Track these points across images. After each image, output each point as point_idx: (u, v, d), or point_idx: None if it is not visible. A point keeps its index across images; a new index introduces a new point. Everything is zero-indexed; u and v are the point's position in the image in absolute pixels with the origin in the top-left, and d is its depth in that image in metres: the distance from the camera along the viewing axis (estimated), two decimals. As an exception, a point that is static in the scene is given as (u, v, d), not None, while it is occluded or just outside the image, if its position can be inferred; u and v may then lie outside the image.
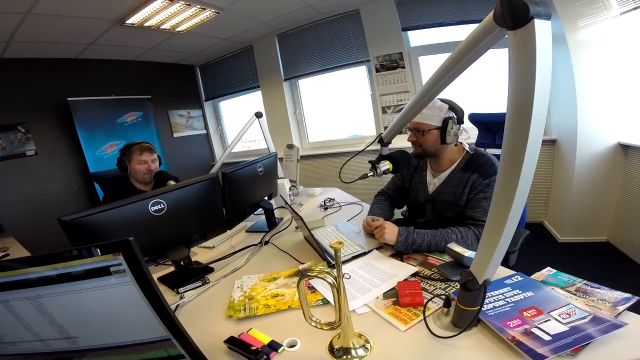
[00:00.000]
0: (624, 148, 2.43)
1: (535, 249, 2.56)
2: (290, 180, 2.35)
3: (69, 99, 3.42)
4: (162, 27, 3.24)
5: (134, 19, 2.96)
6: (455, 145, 1.34)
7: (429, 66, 3.40)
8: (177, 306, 1.08)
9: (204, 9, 3.01)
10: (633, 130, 2.38)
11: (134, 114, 3.97)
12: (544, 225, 3.08)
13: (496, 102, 3.22)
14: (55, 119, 3.49)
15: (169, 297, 1.15)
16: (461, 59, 0.64)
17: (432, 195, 1.42)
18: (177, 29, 3.37)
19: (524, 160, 0.53)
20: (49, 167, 3.45)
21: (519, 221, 0.63)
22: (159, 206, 1.10)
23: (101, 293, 0.59)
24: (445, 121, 1.28)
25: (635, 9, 2.07)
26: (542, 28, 0.48)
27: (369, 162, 1.29)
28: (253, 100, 4.57)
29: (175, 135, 4.66)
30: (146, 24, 3.11)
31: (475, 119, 1.99)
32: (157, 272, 1.34)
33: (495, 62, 3.20)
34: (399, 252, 1.21)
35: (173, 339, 0.66)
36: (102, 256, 0.55)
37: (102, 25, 3.01)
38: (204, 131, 5.06)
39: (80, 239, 0.97)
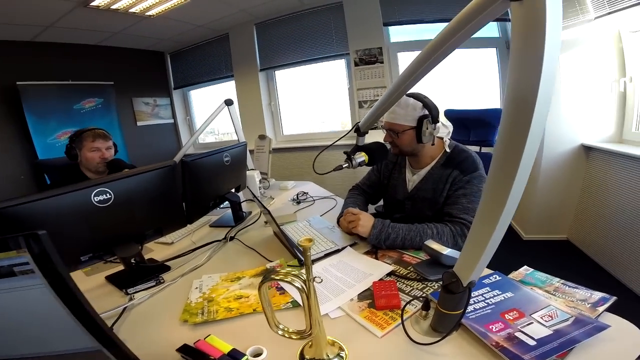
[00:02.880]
0: (587, 149, 2.52)
1: (500, 246, 2.60)
2: (261, 173, 2.24)
3: (18, 83, 3.10)
4: (131, 10, 2.99)
5: (99, 1, 2.70)
6: (433, 144, 1.28)
7: (407, 62, 3.38)
8: (125, 309, 0.96)
9: (178, -8, 2.81)
10: (596, 132, 2.47)
11: (92, 101, 3.66)
12: (510, 223, 3.16)
13: (470, 99, 3.29)
14: (1, 104, 3.14)
15: (117, 298, 1.02)
16: (455, 34, 0.56)
17: (412, 192, 1.36)
18: (148, 13, 3.12)
19: (524, 152, 0.46)
20: (-9, 154, 3.10)
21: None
22: (104, 196, 0.96)
23: (6, 297, 0.47)
24: (420, 120, 1.21)
25: (609, 13, 2.12)
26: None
27: (344, 152, 1.21)
28: (226, 90, 4.37)
29: (139, 123, 4.36)
30: (113, 7, 2.85)
31: (451, 115, 1.98)
32: (105, 271, 1.19)
33: (469, 61, 3.26)
34: (374, 249, 1.15)
35: (104, 350, 0.55)
36: (2, 253, 0.43)
37: (63, 7, 2.72)
38: (172, 120, 4.79)
39: (6, 233, 0.82)
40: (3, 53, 3.16)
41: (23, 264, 0.44)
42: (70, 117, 3.48)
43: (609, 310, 0.73)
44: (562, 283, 0.86)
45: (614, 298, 0.76)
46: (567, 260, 2.48)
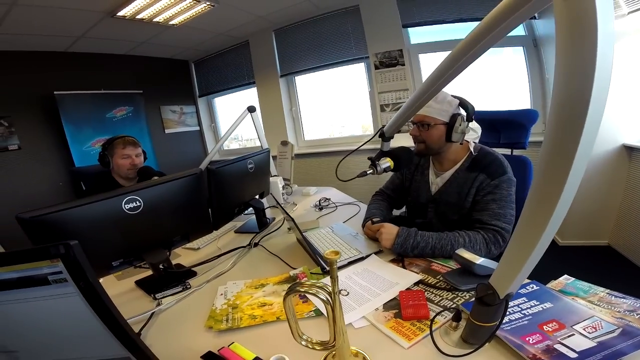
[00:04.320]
0: (629, 150, 2.36)
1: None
2: (284, 179, 2.25)
3: (55, 92, 3.29)
4: (154, 19, 3.12)
5: (125, 11, 2.84)
6: (461, 143, 1.25)
7: (430, 64, 3.31)
8: (153, 313, 0.98)
9: (199, 1, 2.90)
10: (638, 131, 2.32)
11: (124, 109, 3.84)
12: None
13: (499, 100, 3.18)
14: (40, 112, 3.35)
15: (146, 303, 1.05)
16: (488, 32, 0.53)
17: (435, 195, 1.32)
18: (171, 22, 3.24)
19: (576, 157, 0.42)
20: (33, 162, 3.30)
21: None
22: (135, 204, 0.99)
23: (40, 305, 0.49)
24: (454, 117, 1.19)
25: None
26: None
27: (369, 158, 1.19)
28: (248, 97, 4.46)
29: (167, 131, 4.52)
30: (138, 17, 2.99)
31: (479, 117, 1.89)
32: (135, 276, 1.23)
33: (496, 61, 3.15)
34: (400, 257, 1.11)
35: (133, 357, 0.56)
36: (37, 262, 0.45)
37: (92, 18, 2.88)
38: (197, 128, 4.93)
39: (43, 239, 0.87)
40: (41, 63, 3.36)
41: (56, 273, 0.45)
42: (104, 125, 3.66)
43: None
44: (607, 293, 0.79)
45: (668, 308, 0.70)
46: (609, 268, 2.32)
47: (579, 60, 0.40)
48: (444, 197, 1.28)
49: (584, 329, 0.66)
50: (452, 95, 1.23)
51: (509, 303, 0.76)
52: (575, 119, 0.41)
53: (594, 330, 0.66)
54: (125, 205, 0.97)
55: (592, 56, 0.38)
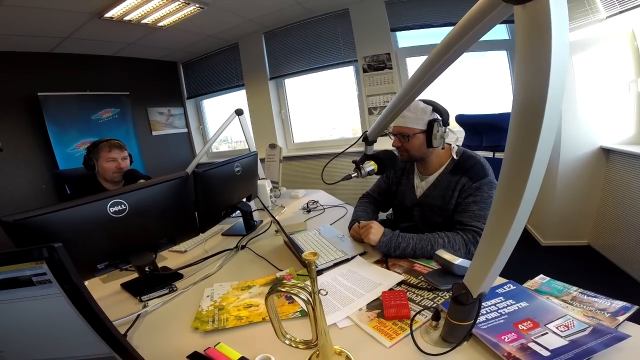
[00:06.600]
0: (606, 152, 2.44)
1: (518, 252, 2.54)
2: (272, 182, 2.25)
3: (39, 93, 3.23)
4: (143, 21, 3.09)
5: (112, 13, 2.81)
6: (442, 148, 1.28)
7: (416, 67, 3.37)
8: (139, 316, 0.98)
9: (188, 3, 2.89)
10: (615, 133, 2.40)
11: (109, 111, 3.78)
12: (527, 228, 3.08)
13: (482, 103, 3.24)
14: (23, 114, 3.28)
15: (132, 305, 1.05)
16: (459, 39, 0.56)
17: (420, 199, 1.35)
18: (159, 24, 3.22)
19: (534, 161, 0.44)
20: (14, 164, 3.23)
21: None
22: (119, 207, 0.99)
23: (25, 305, 0.50)
24: (430, 124, 1.21)
25: (621, 12, 2.08)
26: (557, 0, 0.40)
27: (353, 162, 1.21)
28: (237, 99, 4.45)
29: (154, 133, 4.48)
30: (126, 18, 2.96)
31: (462, 120, 1.95)
32: (121, 278, 1.22)
33: (479, 64, 3.23)
34: (384, 258, 1.14)
35: (117, 356, 0.57)
36: (22, 264, 0.45)
37: (79, 19, 2.84)
38: (185, 130, 4.89)
39: (27, 243, 0.86)
40: (25, 64, 3.29)
41: (41, 274, 0.46)
42: (89, 127, 3.60)
43: (630, 319, 0.71)
44: (580, 292, 0.83)
45: (636, 307, 0.74)
46: (588, 267, 2.39)
47: (535, 65, 0.43)
48: (429, 200, 1.31)
49: (557, 328, 0.69)
50: (425, 101, 1.25)
51: (487, 302, 0.81)
52: (533, 122, 0.44)
53: (567, 328, 0.69)
54: (110, 209, 0.97)
55: (546, 62, 0.41)
